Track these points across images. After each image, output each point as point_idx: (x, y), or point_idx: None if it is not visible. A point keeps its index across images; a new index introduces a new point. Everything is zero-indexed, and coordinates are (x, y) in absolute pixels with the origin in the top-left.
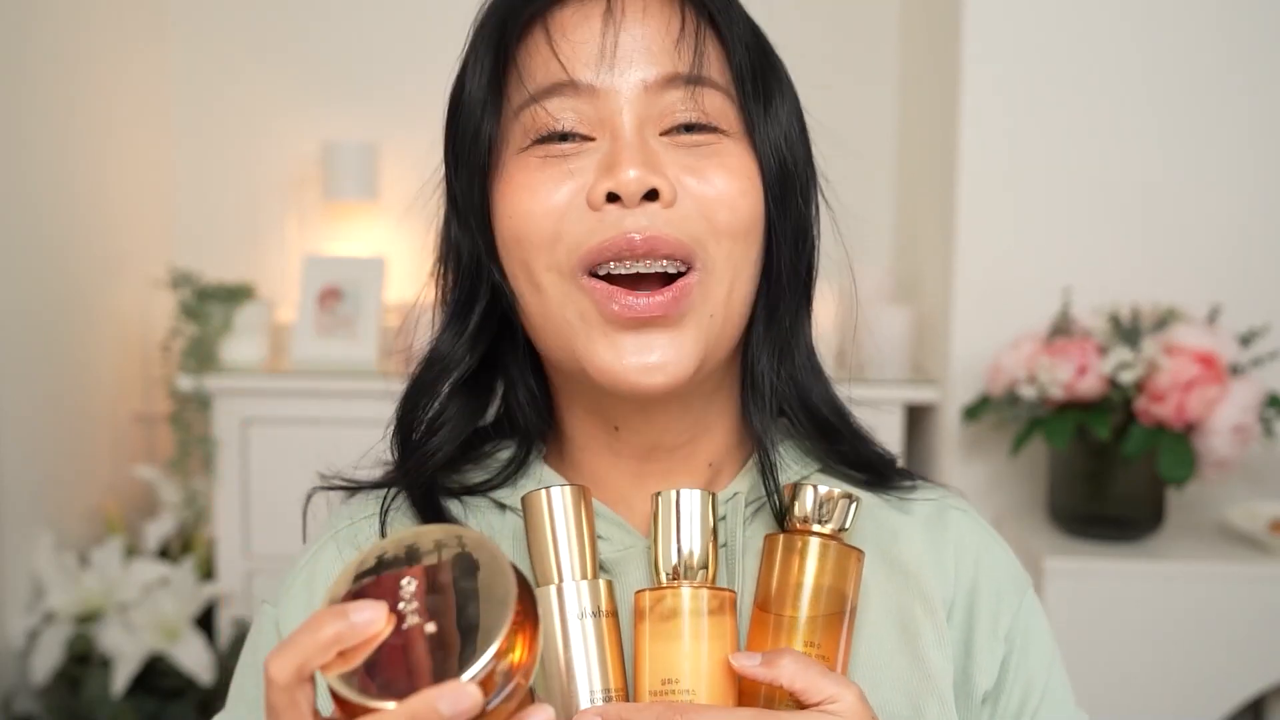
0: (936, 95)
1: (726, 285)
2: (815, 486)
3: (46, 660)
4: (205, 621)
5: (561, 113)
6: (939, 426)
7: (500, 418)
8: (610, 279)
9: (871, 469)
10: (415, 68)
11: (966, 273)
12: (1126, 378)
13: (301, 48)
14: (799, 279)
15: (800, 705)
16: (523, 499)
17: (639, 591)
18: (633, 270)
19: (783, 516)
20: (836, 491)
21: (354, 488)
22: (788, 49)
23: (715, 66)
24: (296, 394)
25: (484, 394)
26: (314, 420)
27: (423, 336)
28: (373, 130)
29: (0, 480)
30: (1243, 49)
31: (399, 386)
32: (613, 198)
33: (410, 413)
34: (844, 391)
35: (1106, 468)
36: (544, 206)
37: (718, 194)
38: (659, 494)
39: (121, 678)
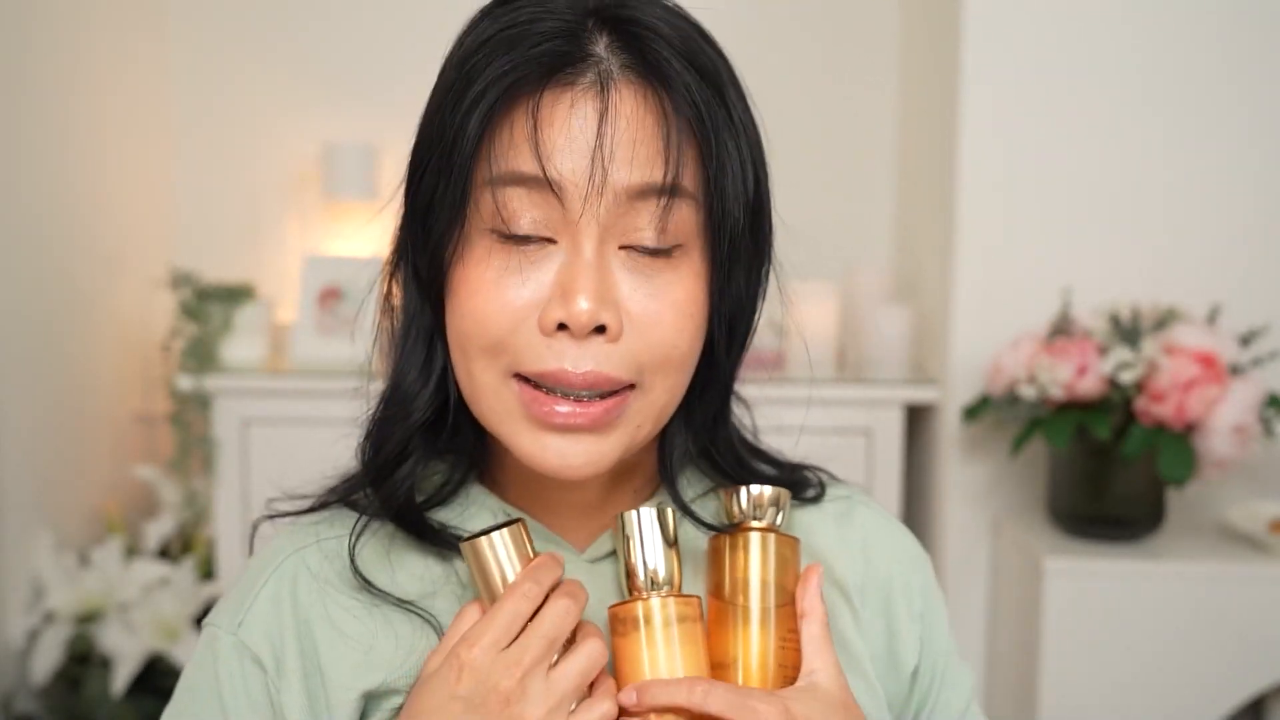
0: (936, 96)
1: (660, 405)
2: (748, 488)
3: (46, 660)
4: None
5: (525, 211)
6: (939, 426)
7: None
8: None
9: (781, 483)
10: (415, 68)
11: (966, 273)
12: (1126, 378)
13: (301, 48)
14: (734, 354)
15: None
16: (462, 545)
17: (612, 607)
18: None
19: (725, 525)
20: (768, 491)
21: (301, 512)
22: (788, 51)
23: (690, 170)
24: (296, 394)
25: (439, 422)
26: (314, 420)
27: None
28: (373, 130)
29: (0, 480)
30: (1241, 48)
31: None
32: (563, 325)
33: (380, 445)
34: (844, 392)
35: (1106, 468)
36: (496, 316)
37: (663, 335)
38: (621, 514)
39: (121, 678)
